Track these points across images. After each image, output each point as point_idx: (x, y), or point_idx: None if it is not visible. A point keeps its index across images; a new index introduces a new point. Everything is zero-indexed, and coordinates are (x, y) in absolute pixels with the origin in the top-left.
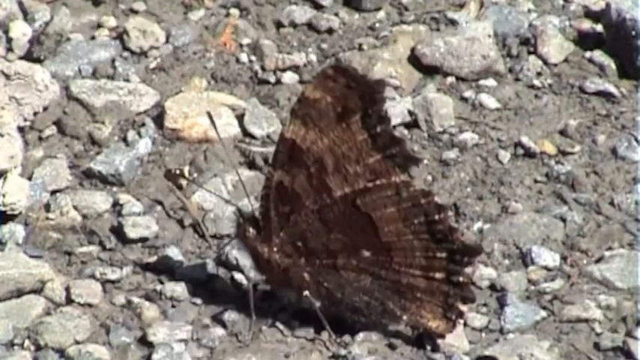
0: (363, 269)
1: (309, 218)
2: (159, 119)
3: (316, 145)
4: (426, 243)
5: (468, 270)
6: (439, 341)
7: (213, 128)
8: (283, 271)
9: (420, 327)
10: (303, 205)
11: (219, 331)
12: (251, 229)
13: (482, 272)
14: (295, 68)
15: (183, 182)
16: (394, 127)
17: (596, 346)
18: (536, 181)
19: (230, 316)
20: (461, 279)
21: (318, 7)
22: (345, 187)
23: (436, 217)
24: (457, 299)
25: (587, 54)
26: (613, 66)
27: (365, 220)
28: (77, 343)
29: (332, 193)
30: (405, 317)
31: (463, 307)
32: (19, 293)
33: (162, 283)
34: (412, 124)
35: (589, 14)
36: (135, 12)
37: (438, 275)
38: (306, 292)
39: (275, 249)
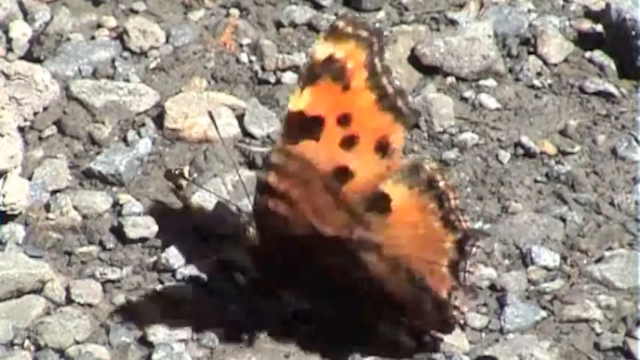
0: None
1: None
2: (159, 119)
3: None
4: None
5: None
6: (439, 341)
7: (214, 127)
8: (283, 271)
9: (420, 327)
10: None
11: (219, 331)
12: (251, 229)
13: (483, 272)
14: (295, 68)
15: (183, 182)
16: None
17: (596, 346)
18: (536, 181)
19: (230, 316)
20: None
21: (318, 7)
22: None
23: None
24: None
25: (587, 54)
26: (613, 66)
27: None
28: (77, 343)
29: None
30: (404, 318)
31: (463, 308)
32: (19, 293)
33: (162, 283)
34: (412, 124)
35: (589, 14)
36: (135, 12)
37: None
38: (306, 293)
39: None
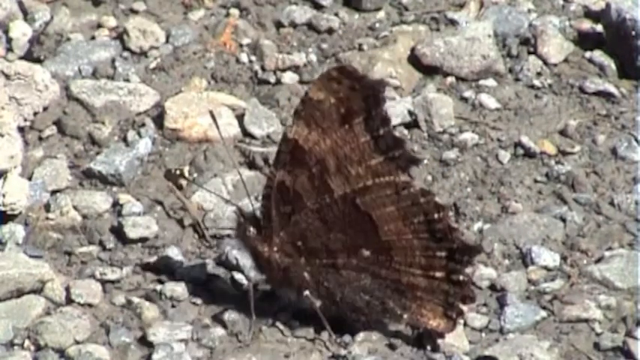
0: (364, 268)
1: (309, 218)
2: (159, 119)
3: (319, 145)
4: (426, 242)
5: (468, 269)
6: (439, 341)
7: (215, 127)
8: (283, 271)
9: (421, 326)
10: (305, 205)
11: (219, 331)
12: (251, 229)
13: (482, 272)
14: (295, 68)
15: (183, 182)
16: (394, 126)
17: (596, 346)
18: (536, 181)
19: (230, 316)
20: (461, 278)
21: (318, 7)
22: (346, 188)
23: (435, 215)
24: (457, 298)
25: (587, 54)
26: (613, 66)
27: (365, 219)
28: (77, 343)
29: (333, 194)
30: (405, 316)
31: (463, 307)
32: (19, 293)
33: (162, 283)
34: (412, 124)
35: (589, 14)
36: (135, 12)
37: (438, 274)
38: (307, 292)
39: (275, 248)
